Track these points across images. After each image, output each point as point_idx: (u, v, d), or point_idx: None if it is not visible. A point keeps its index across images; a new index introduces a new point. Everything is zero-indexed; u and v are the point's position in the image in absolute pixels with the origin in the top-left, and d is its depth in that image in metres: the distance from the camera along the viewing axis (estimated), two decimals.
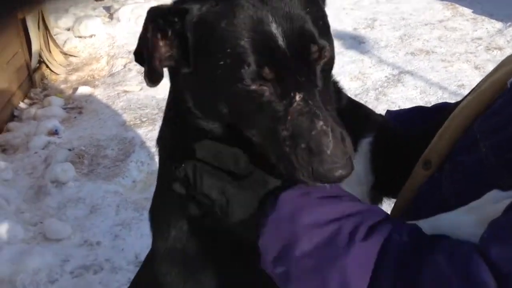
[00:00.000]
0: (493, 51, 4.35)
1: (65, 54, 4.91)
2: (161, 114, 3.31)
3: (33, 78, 4.41)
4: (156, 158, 3.19)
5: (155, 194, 1.07)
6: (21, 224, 2.81)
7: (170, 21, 0.79)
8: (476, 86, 0.85)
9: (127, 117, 3.89)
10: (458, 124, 0.80)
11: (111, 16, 5.45)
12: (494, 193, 0.66)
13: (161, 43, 0.79)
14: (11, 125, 3.86)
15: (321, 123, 0.69)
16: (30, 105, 4.15)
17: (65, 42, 5.00)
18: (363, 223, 0.69)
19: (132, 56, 4.14)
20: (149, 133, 3.67)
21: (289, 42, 0.72)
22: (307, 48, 0.73)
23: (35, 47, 4.41)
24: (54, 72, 4.63)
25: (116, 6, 5.52)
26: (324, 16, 0.82)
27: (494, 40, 4.53)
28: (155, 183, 3.03)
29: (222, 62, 0.74)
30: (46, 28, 4.62)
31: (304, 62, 0.74)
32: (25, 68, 4.33)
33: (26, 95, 4.27)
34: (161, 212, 1.05)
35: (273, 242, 0.73)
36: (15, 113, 4.03)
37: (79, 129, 3.78)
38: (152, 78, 0.78)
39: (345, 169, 0.69)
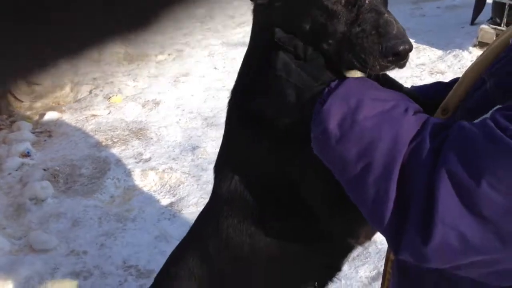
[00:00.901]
0: (436, 74, 4.80)
1: (28, 82, 4.97)
2: (132, 135, 3.49)
3: None
4: (132, 176, 3.35)
5: (222, 144, 1.27)
6: (6, 238, 2.87)
7: None
8: (487, 47, 1.10)
9: (98, 138, 4.01)
10: (470, 77, 1.04)
11: (72, 46, 5.56)
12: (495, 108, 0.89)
13: None
14: None
15: (385, 15, 0.93)
16: None
17: (28, 71, 5.06)
18: (411, 107, 0.91)
19: (98, 82, 4.31)
20: (122, 152, 3.81)
21: None
22: None
23: None
24: (19, 100, 4.68)
25: None
26: None
27: (436, 65, 5.00)
28: (133, 198, 3.20)
29: None
30: None
31: None
32: None
33: None
34: (225, 159, 1.25)
35: (337, 110, 0.90)
36: None
37: (51, 151, 3.86)
38: None
39: (408, 43, 0.91)
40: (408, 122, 0.87)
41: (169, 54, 5.63)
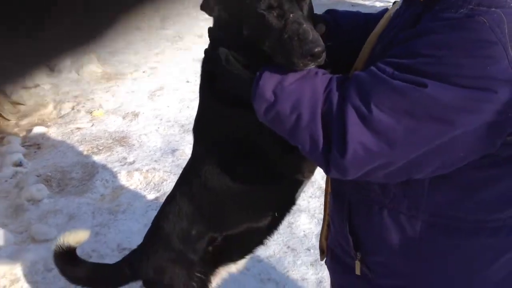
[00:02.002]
0: None
1: (12, 103, 5.29)
2: (115, 143, 3.89)
3: None
4: (118, 177, 3.71)
5: (198, 110, 1.65)
6: (10, 232, 3.20)
7: None
8: (381, 20, 1.49)
9: (84, 147, 4.36)
10: (369, 43, 1.44)
11: (52, 69, 5.91)
12: None
13: None
14: None
15: (304, 25, 1.30)
16: None
17: (11, 92, 5.38)
18: (320, 71, 1.28)
19: (79, 100, 4.68)
20: (108, 158, 4.17)
21: None
22: None
23: None
24: (5, 118, 4.99)
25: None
26: None
27: None
28: (121, 195, 3.59)
29: (248, 1, 1.32)
30: None
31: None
32: None
33: None
34: (200, 123, 1.65)
35: (269, 83, 1.23)
36: None
37: (41, 160, 4.19)
38: (210, 8, 1.38)
39: (321, 46, 1.23)
40: (320, 79, 1.23)
41: (143, 72, 6.03)
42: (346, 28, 1.53)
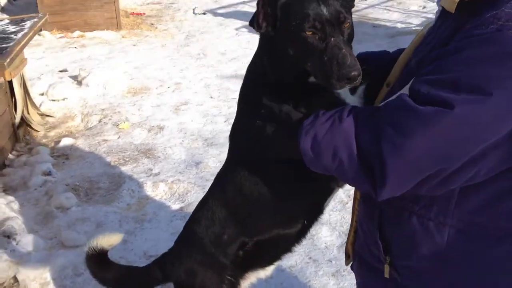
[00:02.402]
0: None
1: (41, 114, 5.47)
2: (141, 155, 4.02)
3: (17, 134, 4.92)
4: (144, 187, 3.81)
5: (235, 119, 1.74)
6: (40, 238, 3.31)
7: (270, 3, 1.44)
8: (415, 37, 1.57)
9: (111, 159, 4.48)
10: (403, 58, 1.52)
11: (79, 83, 6.09)
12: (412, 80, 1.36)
13: (262, 14, 1.45)
14: (5, 171, 4.34)
15: (344, 50, 1.37)
16: (18, 156, 4.64)
17: (40, 104, 5.56)
18: (343, 113, 1.36)
19: (106, 112, 4.83)
20: (134, 169, 4.28)
21: (329, 13, 1.39)
22: (338, 17, 1.41)
23: (19, 106, 4.96)
24: (35, 130, 5.15)
25: (83, 74, 6.18)
26: (348, 5, 1.47)
27: None
28: (147, 205, 3.71)
29: (294, 23, 1.41)
30: (26, 90, 5.20)
31: (336, 24, 1.41)
32: (11, 125, 4.85)
33: (12, 149, 4.76)
34: (237, 131, 1.74)
35: (307, 142, 1.33)
36: (6, 163, 4.50)
37: (70, 171, 4.32)
38: (258, 25, 1.46)
39: (357, 71, 1.34)
40: (346, 123, 1.30)
41: (168, 87, 6.18)
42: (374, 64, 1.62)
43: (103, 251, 2.11)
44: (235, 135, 1.77)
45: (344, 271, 3.01)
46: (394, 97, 1.29)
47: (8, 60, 3.85)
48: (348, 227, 3.28)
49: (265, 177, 1.71)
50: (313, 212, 1.84)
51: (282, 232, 1.84)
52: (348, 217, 3.50)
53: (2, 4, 10.51)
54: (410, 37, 7.69)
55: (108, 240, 2.10)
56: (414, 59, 1.42)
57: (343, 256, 3.10)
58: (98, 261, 2.13)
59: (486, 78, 1.13)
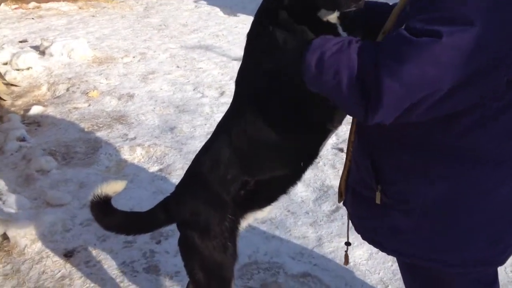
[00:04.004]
0: None
1: (6, 84, 5.42)
2: (114, 122, 4.13)
3: None
4: (121, 151, 3.93)
5: (243, 61, 1.90)
6: (25, 198, 3.38)
7: None
8: None
9: (84, 125, 4.54)
10: (398, 7, 1.67)
11: (42, 52, 6.04)
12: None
13: None
14: None
15: None
16: None
17: (4, 74, 5.51)
18: (353, 40, 1.57)
19: (73, 81, 4.90)
20: (109, 134, 4.37)
21: None
22: None
23: None
24: (1, 99, 5.12)
25: (45, 43, 6.12)
26: None
27: None
28: (126, 167, 3.84)
29: None
30: None
31: None
32: None
33: None
34: (244, 73, 1.89)
35: (312, 58, 1.48)
36: None
37: (44, 137, 4.35)
38: None
39: None
40: (353, 48, 1.46)
41: (133, 57, 6.22)
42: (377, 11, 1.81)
43: (107, 198, 2.22)
44: (241, 79, 1.93)
45: (320, 221, 3.25)
46: (394, 32, 1.48)
47: None
48: (321, 184, 3.52)
49: (267, 121, 1.87)
50: (309, 155, 2.03)
51: (281, 173, 2.02)
52: (320, 175, 3.75)
53: None
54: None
55: (112, 187, 2.22)
56: (408, 5, 1.61)
57: (319, 209, 3.36)
58: (103, 207, 2.23)
59: (469, 10, 1.33)
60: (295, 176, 2.07)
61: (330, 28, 1.70)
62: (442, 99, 1.42)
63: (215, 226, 2.04)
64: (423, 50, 1.36)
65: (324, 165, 3.88)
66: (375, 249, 2.60)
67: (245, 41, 1.86)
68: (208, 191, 2.03)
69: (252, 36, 1.86)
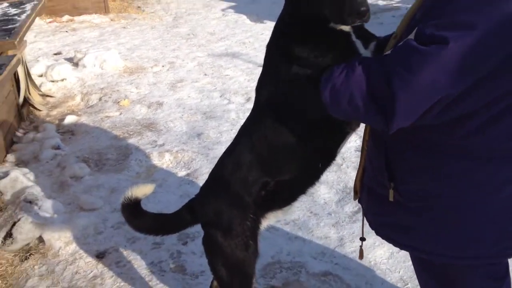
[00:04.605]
0: None
1: (42, 95, 5.66)
2: (144, 129, 4.29)
3: (21, 113, 5.12)
4: (151, 157, 4.08)
5: (262, 72, 2.00)
6: (60, 203, 3.55)
7: None
8: None
9: (116, 133, 4.72)
10: (409, 13, 1.71)
11: (75, 64, 6.28)
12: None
13: None
14: (15, 147, 4.55)
15: None
16: (25, 133, 4.85)
17: (40, 85, 5.75)
18: (357, 61, 1.64)
19: (105, 91, 5.10)
20: (139, 141, 4.53)
21: None
22: None
23: (22, 87, 5.14)
24: (37, 109, 5.35)
25: (78, 55, 6.37)
26: None
27: None
28: (155, 172, 3.99)
29: None
30: (27, 72, 5.38)
31: None
32: (15, 105, 5.04)
33: (18, 127, 4.97)
34: (263, 82, 2.00)
35: (326, 89, 1.61)
36: (14, 139, 4.71)
37: (77, 145, 4.55)
38: None
39: (366, 6, 1.57)
40: (358, 72, 1.56)
41: (163, 66, 6.40)
42: None
43: (137, 201, 2.34)
44: (261, 87, 2.03)
45: (342, 222, 3.32)
46: (401, 42, 1.56)
47: (18, 39, 4.06)
48: (344, 186, 3.58)
49: (286, 125, 1.96)
50: (327, 157, 2.10)
51: (300, 174, 2.11)
52: (343, 177, 3.82)
53: None
54: (391, 12, 8.03)
55: (142, 190, 2.33)
56: (419, 12, 1.68)
57: (341, 210, 3.43)
58: (133, 210, 2.34)
59: (470, 15, 1.40)
60: (313, 177, 2.15)
61: (344, 36, 1.79)
62: (453, 103, 1.50)
63: (237, 225, 2.13)
64: (432, 59, 1.43)
65: (347, 167, 3.94)
66: (396, 249, 2.66)
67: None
68: (230, 193, 2.13)
69: (272, 48, 1.96)
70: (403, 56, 1.50)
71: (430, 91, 1.47)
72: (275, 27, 1.94)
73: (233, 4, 9.10)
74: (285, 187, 2.13)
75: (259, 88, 2.04)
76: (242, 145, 2.12)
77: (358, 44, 1.79)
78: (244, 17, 8.37)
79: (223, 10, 8.93)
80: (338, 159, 3.98)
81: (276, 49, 1.91)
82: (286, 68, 1.84)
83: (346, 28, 1.77)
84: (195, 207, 2.27)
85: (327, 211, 3.45)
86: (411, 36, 1.54)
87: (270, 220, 2.27)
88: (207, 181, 2.30)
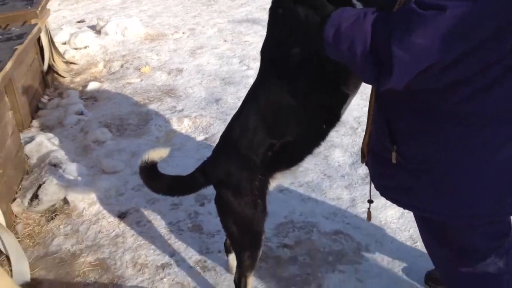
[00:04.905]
0: None
1: (66, 62, 5.79)
2: (164, 95, 4.37)
3: (46, 80, 5.26)
4: (170, 122, 4.17)
5: (267, 35, 2.06)
6: (83, 166, 3.70)
7: None
8: None
9: (136, 99, 4.83)
10: None
11: (98, 32, 6.39)
12: None
13: None
14: (40, 113, 4.71)
15: None
16: (49, 100, 5.00)
17: (64, 53, 5.88)
18: (368, 11, 1.69)
19: (127, 58, 5.18)
20: (159, 107, 4.64)
21: None
22: None
23: (46, 54, 5.28)
24: (61, 76, 5.50)
25: (101, 23, 6.46)
26: None
27: None
28: (174, 137, 4.10)
29: None
30: (50, 40, 5.51)
31: None
32: (40, 72, 5.19)
33: (43, 93, 5.12)
34: (268, 44, 2.06)
35: (330, 29, 1.63)
36: (40, 105, 4.87)
37: (100, 110, 4.68)
38: None
39: None
40: (368, 20, 1.58)
41: (183, 33, 6.46)
42: None
43: (153, 163, 2.44)
44: (265, 49, 2.09)
45: (355, 183, 3.39)
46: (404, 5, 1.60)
47: (39, 8, 4.16)
48: (358, 149, 3.64)
49: (290, 86, 2.03)
50: (331, 118, 2.17)
51: (304, 135, 2.18)
52: (358, 140, 3.87)
53: None
54: None
55: (158, 153, 2.43)
56: None
57: (355, 172, 3.50)
58: (150, 172, 2.45)
59: None
60: (318, 138, 2.22)
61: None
62: (447, 68, 1.54)
63: (246, 185, 2.23)
64: (429, 22, 1.47)
65: (363, 131, 3.98)
66: None
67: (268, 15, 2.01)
68: (239, 154, 2.22)
69: (275, 10, 2.01)
70: (404, 17, 1.54)
71: (426, 54, 1.51)
72: None
73: None
74: (290, 148, 2.20)
75: (263, 51, 2.10)
76: (249, 108, 2.19)
77: (359, 6, 1.83)
78: None
79: None
80: (353, 122, 4.06)
81: (279, 13, 1.95)
82: (288, 30, 1.89)
83: None
84: (207, 169, 2.37)
85: (341, 173, 3.52)
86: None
87: (279, 180, 2.36)
88: (218, 144, 2.39)
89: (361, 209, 3.13)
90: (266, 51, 2.10)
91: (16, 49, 3.64)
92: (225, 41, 6.12)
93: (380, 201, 3.07)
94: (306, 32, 1.81)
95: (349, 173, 3.52)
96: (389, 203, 3.06)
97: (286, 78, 2.03)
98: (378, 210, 3.07)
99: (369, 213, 2.34)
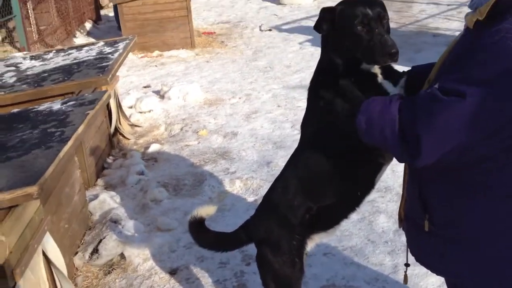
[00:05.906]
0: None
1: (131, 125, 6.23)
2: (218, 157, 4.66)
3: (112, 141, 5.68)
4: (223, 183, 4.43)
5: (306, 111, 2.28)
6: (140, 223, 3.97)
7: (329, 11, 2.00)
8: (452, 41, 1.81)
9: (193, 160, 5.14)
10: (440, 60, 1.89)
11: (162, 96, 6.85)
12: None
13: (324, 20, 2.00)
14: (105, 172, 5.09)
15: (385, 36, 1.86)
16: (114, 160, 5.39)
17: (130, 116, 6.34)
18: (393, 98, 1.87)
19: (186, 122, 5.53)
20: (213, 169, 4.91)
21: (373, 12, 1.90)
22: (379, 14, 1.92)
23: (114, 117, 5.72)
24: (126, 138, 5.91)
25: (164, 88, 6.94)
26: (384, 8, 1.98)
27: None
28: (226, 198, 4.35)
29: (348, 22, 1.91)
30: (118, 104, 5.97)
31: (378, 19, 1.91)
32: (107, 134, 5.61)
33: (109, 154, 5.52)
34: (306, 121, 2.27)
35: (362, 118, 1.80)
36: (105, 165, 5.26)
37: (159, 171, 5.00)
38: (321, 28, 2.00)
39: (395, 49, 1.77)
40: (393, 106, 1.76)
41: (239, 98, 6.82)
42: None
43: (201, 220, 2.67)
44: (304, 124, 2.31)
45: (398, 250, 3.46)
46: (428, 89, 1.76)
47: (110, 76, 4.60)
48: None
49: (326, 156, 2.22)
50: (365, 186, 2.32)
51: (340, 201, 2.34)
52: None
53: (88, 29, 11.63)
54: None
55: (206, 210, 2.67)
56: (448, 59, 1.88)
57: (398, 239, 3.58)
58: (198, 227, 2.67)
59: (490, 74, 1.56)
60: (353, 204, 2.38)
61: (370, 77, 2.04)
62: (470, 148, 1.68)
63: (284, 244, 2.40)
64: (451, 108, 1.62)
65: None
66: None
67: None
68: (279, 214, 2.40)
69: (316, 96, 2.21)
70: (427, 102, 1.69)
71: (448, 137, 1.65)
72: (316, 69, 2.21)
73: (310, 37, 9.42)
74: (327, 212, 2.36)
75: (303, 125, 2.32)
76: (290, 171, 2.40)
77: (386, 84, 2.03)
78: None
79: (300, 43, 9.29)
80: (399, 189, 4.15)
81: (316, 90, 2.17)
82: (324, 105, 2.10)
83: (374, 69, 2.02)
84: (249, 227, 2.57)
85: (384, 239, 3.60)
86: (436, 85, 1.74)
87: (316, 241, 2.51)
88: (260, 204, 2.59)
89: (402, 275, 3.18)
90: (306, 128, 2.31)
91: (88, 113, 4.03)
92: (278, 106, 6.42)
93: (422, 268, 3.12)
94: (343, 122, 2.02)
95: (393, 239, 3.60)
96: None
97: (324, 152, 2.22)
98: (420, 277, 3.13)
99: (405, 276, 2.43)
